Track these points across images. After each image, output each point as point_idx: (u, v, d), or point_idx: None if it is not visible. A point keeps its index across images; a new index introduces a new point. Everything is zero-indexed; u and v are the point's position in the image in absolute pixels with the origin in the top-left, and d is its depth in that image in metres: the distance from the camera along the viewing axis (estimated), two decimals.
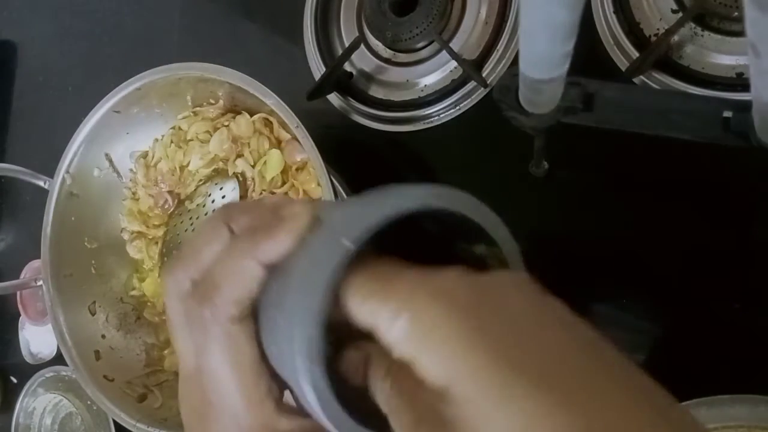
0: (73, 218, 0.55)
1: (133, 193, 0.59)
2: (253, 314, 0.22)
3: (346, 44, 0.59)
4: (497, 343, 0.17)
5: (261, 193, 0.53)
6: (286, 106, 0.46)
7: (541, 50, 0.29)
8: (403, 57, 0.58)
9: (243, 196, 0.53)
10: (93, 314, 0.56)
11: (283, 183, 0.52)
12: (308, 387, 0.19)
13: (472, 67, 0.53)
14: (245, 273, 0.21)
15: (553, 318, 0.19)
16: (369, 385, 0.20)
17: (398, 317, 0.18)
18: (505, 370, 0.16)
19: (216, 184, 0.54)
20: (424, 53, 0.57)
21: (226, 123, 0.55)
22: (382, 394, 0.20)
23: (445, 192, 0.20)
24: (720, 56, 0.46)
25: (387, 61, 0.58)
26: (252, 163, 0.53)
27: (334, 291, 0.19)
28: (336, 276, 0.18)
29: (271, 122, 0.53)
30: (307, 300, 0.19)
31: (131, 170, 0.59)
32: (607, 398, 0.16)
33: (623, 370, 0.18)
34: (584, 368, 0.17)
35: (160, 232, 0.57)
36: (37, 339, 0.72)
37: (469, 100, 0.54)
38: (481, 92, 0.54)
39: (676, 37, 0.47)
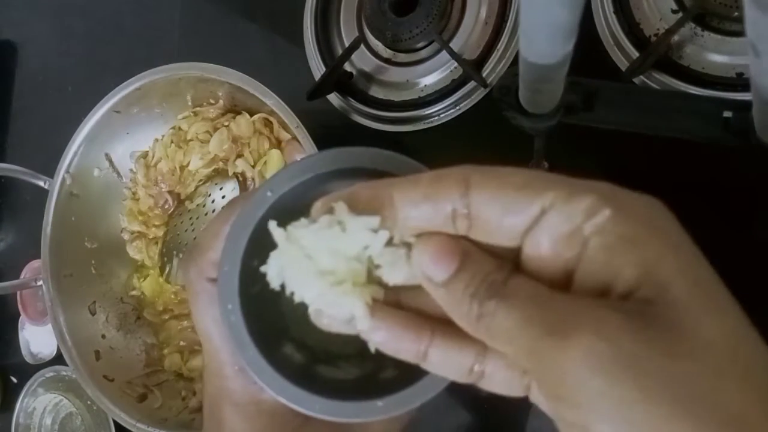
0: (73, 218, 0.55)
1: (133, 193, 0.59)
2: None
3: (346, 44, 0.59)
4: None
5: None
6: (286, 106, 0.46)
7: (542, 50, 0.29)
8: (403, 57, 0.58)
9: None
10: (93, 314, 0.56)
11: None
12: (226, 324, 0.21)
13: (472, 67, 0.53)
14: (220, 236, 0.23)
15: None
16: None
17: (599, 211, 0.16)
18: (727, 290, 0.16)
19: (216, 184, 0.54)
20: (424, 53, 0.57)
21: (226, 123, 0.55)
22: (484, 295, 0.17)
23: (386, 155, 0.22)
24: (720, 56, 0.46)
25: (387, 61, 0.58)
26: (252, 164, 0.53)
27: (255, 233, 0.21)
28: (251, 220, 0.21)
29: (271, 122, 0.53)
30: (229, 242, 0.21)
31: (131, 170, 0.59)
32: None
33: None
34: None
35: (160, 232, 0.57)
36: (37, 339, 0.72)
37: (469, 100, 0.54)
38: (481, 92, 0.54)
39: (676, 37, 0.47)
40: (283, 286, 0.20)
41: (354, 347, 0.22)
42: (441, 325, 0.19)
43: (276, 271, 0.19)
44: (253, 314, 0.21)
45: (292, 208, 0.20)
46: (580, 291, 0.16)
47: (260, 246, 0.21)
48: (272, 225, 0.19)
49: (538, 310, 0.16)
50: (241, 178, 0.53)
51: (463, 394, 0.50)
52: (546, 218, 0.17)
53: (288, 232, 0.19)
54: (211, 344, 0.24)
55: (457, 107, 0.55)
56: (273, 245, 0.20)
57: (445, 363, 0.19)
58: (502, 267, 0.18)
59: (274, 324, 0.23)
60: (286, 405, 0.21)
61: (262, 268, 0.20)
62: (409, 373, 0.20)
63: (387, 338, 0.19)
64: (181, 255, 0.53)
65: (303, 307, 0.20)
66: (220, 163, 0.55)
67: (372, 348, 0.19)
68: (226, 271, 0.21)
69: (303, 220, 0.19)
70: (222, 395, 0.24)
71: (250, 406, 0.24)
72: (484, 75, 0.53)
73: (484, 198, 0.18)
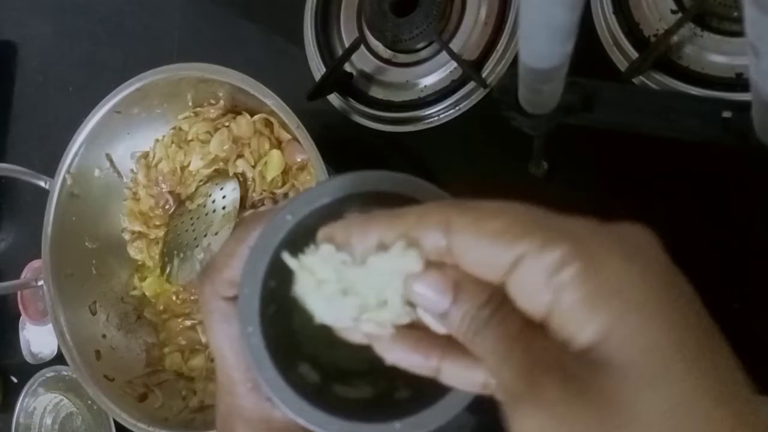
0: (73, 218, 0.55)
1: (134, 194, 0.59)
2: None
3: (346, 45, 0.59)
4: (686, 321, 0.16)
5: (261, 194, 0.53)
6: (287, 107, 0.46)
7: (541, 50, 0.29)
8: (403, 57, 0.58)
9: (243, 196, 0.53)
10: (94, 314, 0.56)
11: (284, 183, 0.52)
12: (246, 346, 0.21)
13: (472, 68, 0.53)
14: (236, 257, 0.24)
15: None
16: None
17: (567, 266, 0.16)
18: (686, 353, 0.15)
19: (216, 184, 0.54)
20: (423, 54, 0.57)
21: (227, 123, 0.55)
22: (476, 327, 0.18)
23: (404, 178, 0.22)
24: (719, 56, 0.46)
25: (387, 61, 0.58)
26: (252, 164, 0.53)
27: (276, 260, 0.21)
28: (273, 245, 0.21)
29: (271, 123, 0.53)
30: (249, 264, 0.21)
31: (132, 170, 0.59)
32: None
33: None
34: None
35: (161, 233, 0.57)
36: (37, 339, 0.72)
37: (468, 100, 0.54)
38: (481, 93, 0.54)
39: (675, 38, 0.47)
40: (299, 306, 0.20)
41: (367, 363, 0.22)
42: (454, 342, 0.19)
43: (318, 305, 0.20)
44: (270, 335, 0.22)
45: (312, 228, 0.21)
46: (554, 335, 0.17)
47: (278, 268, 0.21)
48: (285, 256, 0.20)
49: (513, 353, 0.17)
50: (241, 179, 0.54)
51: None
52: (520, 267, 0.17)
53: (300, 260, 0.20)
54: (225, 362, 0.25)
55: (457, 108, 0.55)
56: (286, 274, 0.21)
57: (457, 378, 0.19)
58: (491, 297, 0.18)
59: (289, 343, 0.24)
60: (302, 425, 0.21)
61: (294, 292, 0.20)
62: (424, 393, 0.21)
63: (400, 358, 0.19)
64: (181, 255, 0.53)
65: (317, 326, 0.20)
66: (221, 164, 0.55)
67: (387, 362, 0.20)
68: (246, 293, 0.21)
69: (312, 247, 0.20)
70: (234, 412, 0.25)
71: (262, 423, 0.24)
72: (483, 75, 0.53)
73: (463, 242, 0.18)
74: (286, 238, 0.22)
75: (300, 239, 0.21)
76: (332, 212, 0.22)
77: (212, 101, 0.55)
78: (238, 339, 0.24)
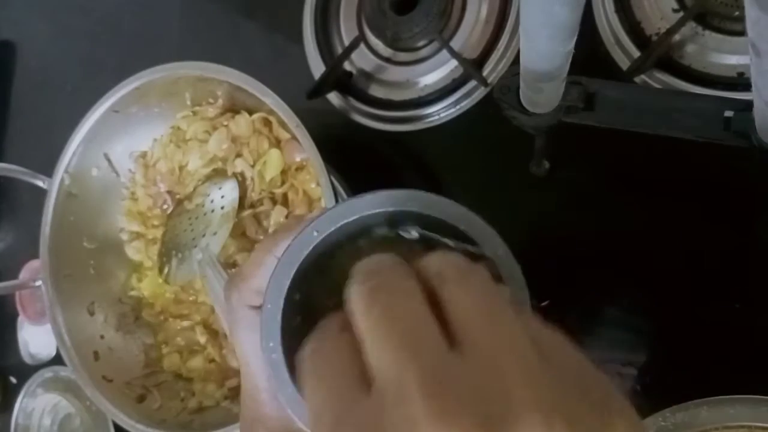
0: (71, 218, 0.55)
1: (132, 193, 0.59)
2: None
3: (346, 43, 0.59)
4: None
5: (260, 193, 0.53)
6: (286, 106, 0.46)
7: (542, 49, 0.29)
8: (403, 56, 0.58)
9: (242, 196, 0.53)
10: (92, 314, 0.55)
11: (283, 183, 0.52)
12: (266, 361, 0.21)
13: (473, 67, 0.53)
14: (264, 267, 0.24)
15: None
16: None
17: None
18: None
19: (215, 184, 0.54)
20: (424, 52, 0.57)
21: (226, 123, 0.55)
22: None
23: (430, 198, 0.22)
24: (721, 56, 0.46)
25: (387, 60, 0.58)
26: (251, 163, 0.53)
27: (301, 273, 0.22)
28: (298, 260, 0.22)
29: (270, 122, 0.53)
30: (274, 279, 0.22)
31: (130, 170, 0.58)
32: None
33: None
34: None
35: (159, 233, 0.57)
36: (36, 339, 0.72)
37: (469, 99, 0.54)
38: (482, 91, 0.54)
39: (677, 37, 0.47)
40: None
41: None
42: None
43: None
44: (294, 347, 0.22)
45: (337, 243, 0.22)
46: None
47: (304, 282, 0.22)
48: None
49: None
50: (240, 178, 0.53)
51: None
52: None
53: None
54: (249, 369, 0.25)
55: (458, 106, 0.54)
56: (312, 286, 0.22)
57: None
58: None
59: None
60: None
61: None
62: None
63: None
64: (180, 255, 0.53)
65: None
66: (219, 163, 0.55)
67: None
68: (269, 308, 0.22)
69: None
70: (257, 418, 0.25)
71: None
72: (484, 74, 0.53)
73: None
74: (312, 252, 0.22)
75: (325, 254, 0.22)
76: (358, 229, 0.22)
77: (211, 100, 0.55)
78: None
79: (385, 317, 0.16)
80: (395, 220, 0.22)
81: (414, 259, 0.19)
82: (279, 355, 0.21)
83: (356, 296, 0.17)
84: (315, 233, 0.22)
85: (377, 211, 0.22)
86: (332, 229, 0.22)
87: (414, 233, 0.23)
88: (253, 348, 0.24)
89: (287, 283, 0.22)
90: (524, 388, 0.15)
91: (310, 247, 0.22)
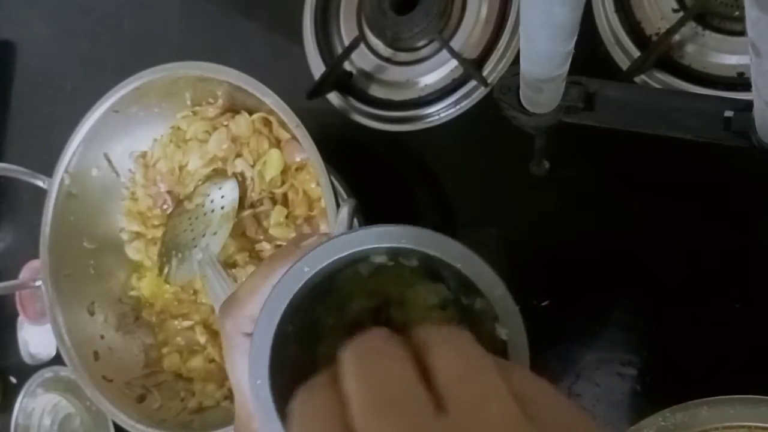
0: (71, 218, 0.55)
1: (132, 193, 0.59)
2: None
3: (346, 43, 0.59)
4: None
5: (260, 193, 0.53)
6: (286, 106, 0.46)
7: (542, 49, 0.29)
8: (403, 56, 0.58)
9: (242, 196, 0.53)
10: (92, 314, 0.55)
11: (283, 183, 0.52)
12: (254, 399, 0.21)
13: (473, 66, 0.53)
14: (259, 294, 0.24)
15: None
16: None
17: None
18: None
19: (215, 184, 0.54)
20: (424, 52, 0.57)
21: (225, 123, 0.55)
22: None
23: (427, 234, 0.22)
24: (721, 56, 0.46)
25: (387, 60, 0.58)
26: (251, 163, 0.53)
27: (293, 307, 0.21)
28: (288, 297, 0.21)
29: (270, 122, 0.53)
30: (263, 317, 0.21)
31: (130, 170, 0.58)
32: None
33: None
34: None
35: (159, 233, 0.57)
36: (36, 339, 0.72)
37: (469, 99, 0.54)
38: (482, 91, 0.54)
39: (677, 37, 0.47)
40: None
41: None
42: None
43: None
44: (287, 377, 0.22)
45: (329, 274, 0.22)
46: None
47: (296, 313, 0.22)
48: None
49: None
50: (240, 178, 0.53)
51: None
52: None
53: None
54: (243, 396, 0.26)
55: (458, 106, 0.54)
56: (307, 314, 0.22)
57: None
58: None
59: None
60: None
61: None
62: None
63: None
64: (180, 255, 0.53)
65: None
66: (219, 163, 0.55)
67: None
68: (258, 345, 0.22)
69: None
70: None
71: None
72: (484, 74, 0.53)
73: None
74: (302, 288, 0.22)
75: (323, 280, 0.22)
76: (349, 262, 0.22)
77: (211, 100, 0.55)
78: None
79: (372, 381, 0.17)
80: (394, 249, 0.22)
81: (414, 285, 0.22)
82: (266, 393, 0.21)
83: (347, 357, 0.18)
84: (306, 269, 0.22)
85: (372, 247, 0.22)
86: (324, 264, 0.22)
87: (414, 262, 0.23)
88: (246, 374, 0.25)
89: (277, 319, 0.21)
90: None
91: (300, 284, 0.22)
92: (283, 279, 0.22)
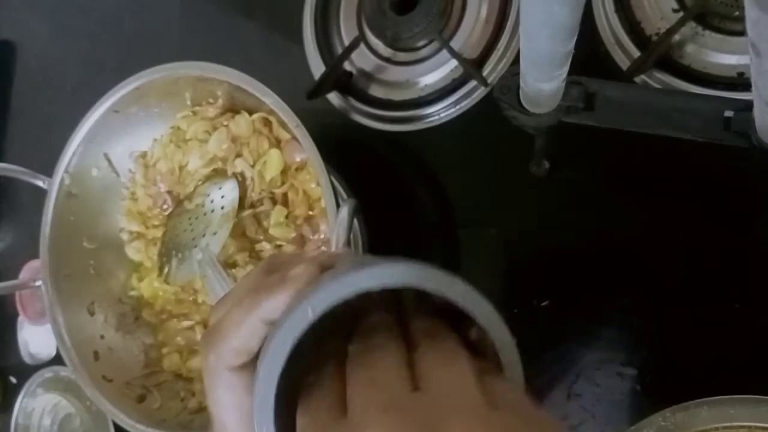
0: (71, 218, 0.55)
1: (132, 193, 0.59)
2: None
3: (346, 43, 0.59)
4: None
5: (260, 193, 0.53)
6: (286, 106, 0.46)
7: (542, 49, 0.29)
8: (403, 56, 0.58)
9: (242, 196, 0.53)
10: (92, 314, 0.55)
11: (283, 183, 0.52)
12: None
13: (473, 66, 0.53)
14: (245, 327, 0.23)
15: None
16: None
17: None
18: None
19: (215, 184, 0.54)
20: (424, 52, 0.57)
21: (225, 122, 0.55)
22: None
23: (429, 272, 0.21)
24: (721, 56, 0.46)
25: (387, 60, 0.58)
26: (251, 163, 0.53)
27: (294, 353, 0.21)
28: (292, 342, 0.21)
29: (270, 122, 0.53)
30: (266, 361, 0.21)
31: (130, 170, 0.58)
32: None
33: None
34: None
35: (159, 233, 0.57)
36: (36, 339, 0.72)
37: (469, 99, 0.54)
38: (482, 91, 0.54)
39: (677, 37, 0.47)
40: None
41: None
42: None
43: None
44: (292, 417, 0.21)
45: (329, 313, 0.21)
46: None
47: (299, 355, 0.21)
48: None
49: None
50: (240, 178, 0.53)
51: None
52: None
53: None
54: (225, 429, 0.25)
55: (458, 106, 0.54)
56: (311, 356, 0.21)
57: None
58: None
59: None
60: None
61: None
62: None
63: None
64: (180, 255, 0.53)
65: None
66: (219, 163, 0.55)
67: None
68: (262, 395, 0.21)
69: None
70: None
71: None
72: (484, 74, 0.53)
73: None
74: (307, 332, 0.21)
75: (318, 324, 0.21)
76: (355, 301, 0.21)
77: (211, 100, 0.55)
78: (238, 408, 0.24)
79: (365, 368, 0.20)
80: (393, 294, 0.22)
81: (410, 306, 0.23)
82: None
83: (352, 352, 0.21)
84: (309, 312, 0.21)
85: (374, 285, 0.21)
86: (326, 306, 0.21)
87: (411, 293, 0.23)
88: (230, 409, 0.24)
89: (280, 367, 0.21)
90: (468, 417, 0.18)
91: (304, 327, 0.21)
92: (287, 320, 0.21)
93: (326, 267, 0.24)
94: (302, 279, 0.23)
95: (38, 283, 0.54)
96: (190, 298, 0.56)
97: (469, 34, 0.55)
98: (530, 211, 0.51)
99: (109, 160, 0.57)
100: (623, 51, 0.49)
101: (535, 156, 0.48)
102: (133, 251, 0.58)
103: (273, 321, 0.23)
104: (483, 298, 0.21)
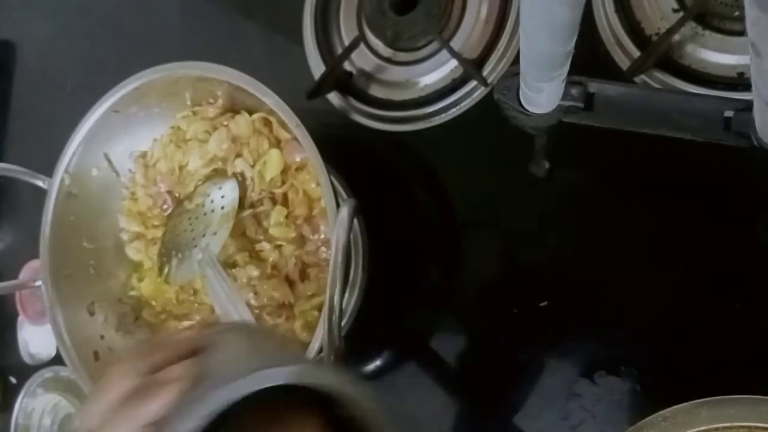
0: (71, 218, 0.55)
1: (132, 193, 0.59)
2: None
3: (346, 43, 0.59)
4: None
5: (260, 193, 0.53)
6: (286, 106, 0.46)
7: (542, 49, 0.29)
8: (403, 56, 0.58)
9: (242, 196, 0.53)
10: (92, 314, 0.55)
11: (283, 183, 0.52)
12: None
13: (473, 66, 0.53)
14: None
15: None
16: None
17: None
18: None
19: (215, 184, 0.54)
20: (424, 52, 0.57)
21: (225, 122, 0.55)
22: None
23: (302, 370, 0.22)
24: (721, 56, 0.46)
25: (387, 60, 0.58)
26: (251, 163, 0.53)
27: None
28: None
29: (270, 122, 0.53)
30: None
31: (130, 170, 0.58)
32: None
33: None
34: None
35: (159, 233, 0.57)
36: (36, 339, 0.72)
37: (469, 99, 0.54)
38: (482, 91, 0.54)
39: (677, 37, 0.47)
40: None
41: None
42: None
43: None
44: None
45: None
46: None
47: None
48: None
49: None
50: (240, 178, 0.53)
51: (448, 377, 0.50)
52: None
53: None
54: None
55: (458, 106, 0.54)
56: None
57: None
58: None
59: None
60: None
61: None
62: None
63: None
64: (180, 255, 0.53)
65: None
66: (219, 163, 0.55)
67: None
68: None
69: None
70: None
71: None
72: (484, 74, 0.53)
73: None
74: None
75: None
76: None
77: (211, 100, 0.55)
78: None
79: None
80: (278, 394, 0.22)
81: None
82: None
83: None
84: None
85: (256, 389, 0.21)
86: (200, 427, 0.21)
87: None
88: None
89: None
90: None
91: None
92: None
93: (201, 361, 0.25)
94: (178, 386, 0.24)
95: (38, 283, 0.54)
96: (190, 298, 0.56)
97: (469, 34, 0.55)
98: (530, 211, 0.51)
99: (109, 160, 0.57)
100: (623, 51, 0.49)
101: (535, 156, 0.48)
102: (133, 251, 0.58)
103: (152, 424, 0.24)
104: (363, 387, 0.22)
